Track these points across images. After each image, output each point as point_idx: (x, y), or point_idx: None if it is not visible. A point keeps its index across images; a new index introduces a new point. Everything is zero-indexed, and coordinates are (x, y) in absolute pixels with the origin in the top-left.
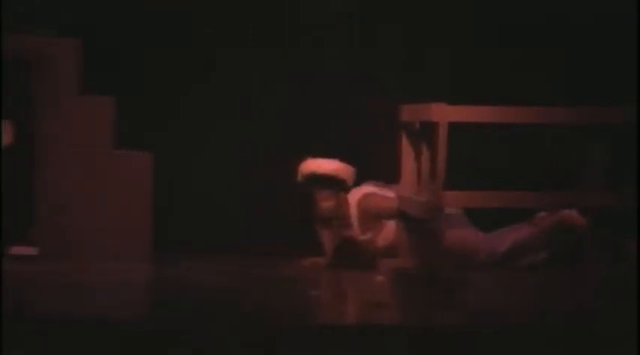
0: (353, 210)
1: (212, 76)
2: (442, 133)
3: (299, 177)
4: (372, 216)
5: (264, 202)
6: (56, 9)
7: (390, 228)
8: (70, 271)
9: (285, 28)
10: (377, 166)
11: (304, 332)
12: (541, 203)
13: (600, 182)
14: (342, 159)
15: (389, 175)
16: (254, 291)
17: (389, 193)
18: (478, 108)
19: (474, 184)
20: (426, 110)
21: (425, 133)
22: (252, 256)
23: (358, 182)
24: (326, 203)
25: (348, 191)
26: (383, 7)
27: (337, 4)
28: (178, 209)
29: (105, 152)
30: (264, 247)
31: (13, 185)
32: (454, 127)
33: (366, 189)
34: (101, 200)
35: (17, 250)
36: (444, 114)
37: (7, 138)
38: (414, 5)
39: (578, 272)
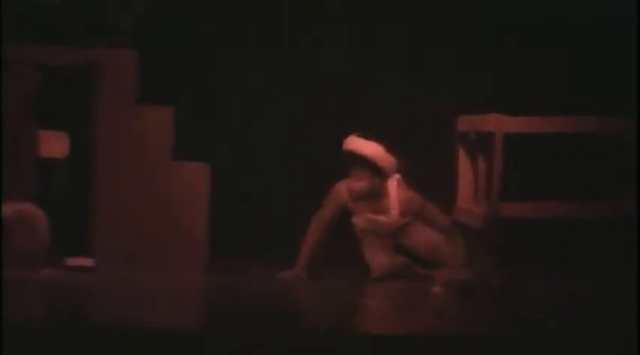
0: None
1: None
2: (498, 144)
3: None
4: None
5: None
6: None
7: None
8: (129, 282)
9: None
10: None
11: (370, 342)
12: (601, 213)
13: None
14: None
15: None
16: (313, 301)
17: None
18: (534, 118)
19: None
20: (483, 121)
21: (481, 144)
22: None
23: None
24: (358, 183)
25: (385, 179)
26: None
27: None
28: (234, 217)
29: (163, 163)
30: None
31: (71, 196)
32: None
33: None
34: (159, 210)
35: (74, 261)
36: (500, 124)
37: (63, 150)
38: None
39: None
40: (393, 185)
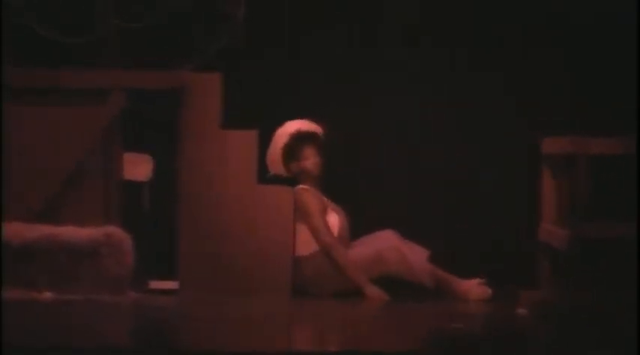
0: None
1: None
2: (582, 166)
3: (284, 139)
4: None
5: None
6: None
7: (334, 219)
8: (214, 305)
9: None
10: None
11: None
12: None
13: None
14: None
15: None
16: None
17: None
18: (617, 139)
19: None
20: (567, 143)
21: (565, 165)
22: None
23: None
24: (315, 159)
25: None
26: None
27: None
28: None
29: (248, 186)
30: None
31: (155, 219)
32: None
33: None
34: (243, 234)
35: (158, 284)
36: (584, 146)
37: (147, 173)
38: None
39: None
40: None
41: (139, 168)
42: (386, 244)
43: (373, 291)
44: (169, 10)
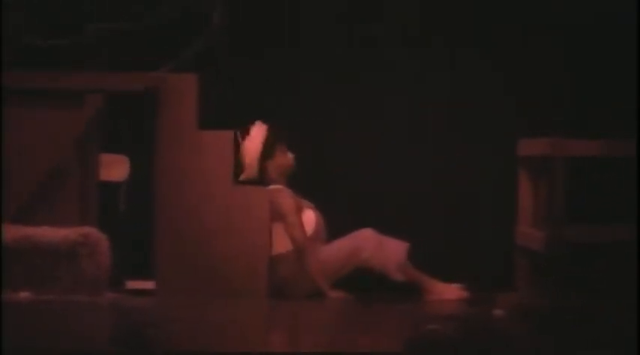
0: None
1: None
2: (560, 167)
3: (260, 139)
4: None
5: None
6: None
7: (310, 217)
8: (191, 306)
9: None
10: (494, 200)
11: None
12: None
13: None
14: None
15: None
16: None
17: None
18: (595, 142)
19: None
20: (544, 144)
21: (542, 167)
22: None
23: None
24: (290, 155)
25: None
26: None
27: None
28: None
29: (225, 186)
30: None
31: (131, 219)
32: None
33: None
34: (219, 234)
35: (135, 284)
36: (561, 148)
37: (123, 173)
38: None
39: None
40: None
41: (115, 168)
42: (363, 236)
43: (334, 293)
44: (149, 12)
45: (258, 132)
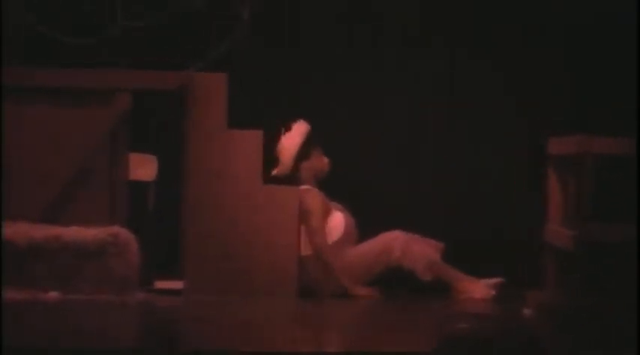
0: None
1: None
2: (588, 165)
3: (300, 138)
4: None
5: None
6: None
7: (339, 219)
8: (219, 305)
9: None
10: (524, 198)
11: None
12: None
13: None
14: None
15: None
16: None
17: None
18: (624, 139)
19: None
20: (572, 143)
21: (571, 165)
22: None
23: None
24: (325, 159)
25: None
26: None
27: None
28: None
29: (254, 186)
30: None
31: (160, 219)
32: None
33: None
34: (248, 234)
35: (163, 284)
36: (590, 146)
37: (152, 173)
38: None
39: None
40: None
41: (144, 168)
42: (392, 236)
43: (362, 290)
44: (177, 10)
45: (297, 131)
